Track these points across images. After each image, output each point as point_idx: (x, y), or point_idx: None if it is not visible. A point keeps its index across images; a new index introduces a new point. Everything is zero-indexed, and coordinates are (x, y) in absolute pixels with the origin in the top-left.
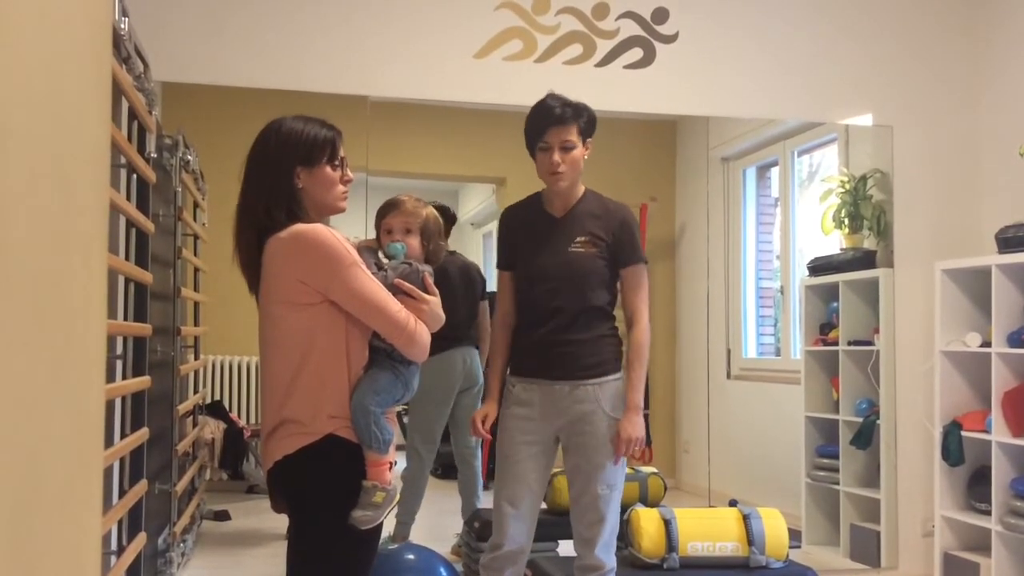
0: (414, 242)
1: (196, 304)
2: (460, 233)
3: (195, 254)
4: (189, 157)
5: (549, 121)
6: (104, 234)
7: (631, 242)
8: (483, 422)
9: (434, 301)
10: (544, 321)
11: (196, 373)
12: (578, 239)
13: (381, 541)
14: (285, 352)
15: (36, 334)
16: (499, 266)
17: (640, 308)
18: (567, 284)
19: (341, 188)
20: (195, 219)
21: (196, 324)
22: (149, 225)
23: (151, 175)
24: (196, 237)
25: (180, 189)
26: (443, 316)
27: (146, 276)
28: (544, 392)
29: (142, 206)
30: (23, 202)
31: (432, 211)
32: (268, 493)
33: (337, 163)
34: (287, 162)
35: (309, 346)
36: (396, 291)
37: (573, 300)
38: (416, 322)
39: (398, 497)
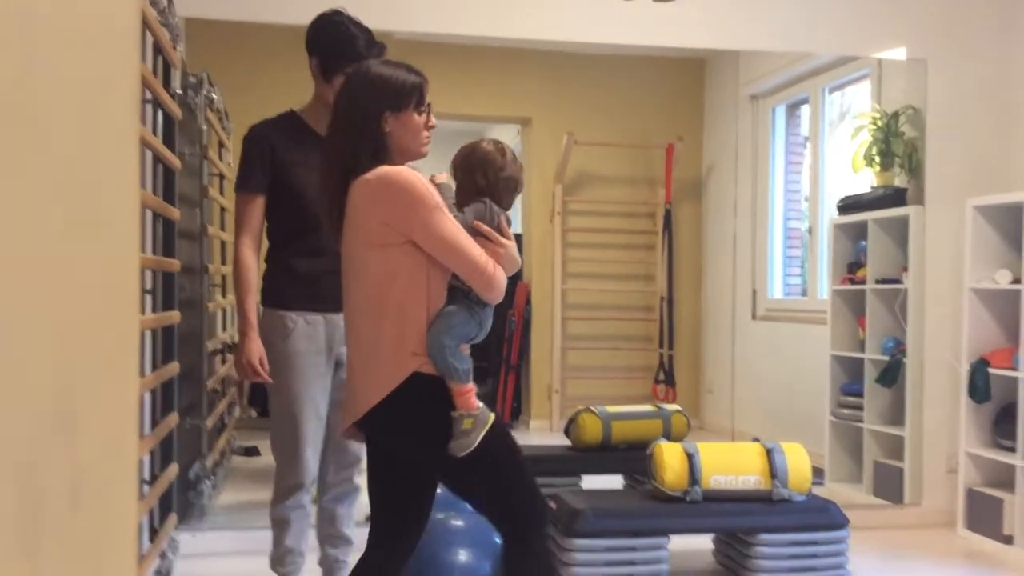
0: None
1: (223, 243)
2: None
3: (221, 193)
4: (214, 95)
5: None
6: (136, 166)
7: None
8: (260, 363)
9: (510, 245)
10: (328, 250)
11: (224, 312)
12: None
13: None
14: (368, 292)
15: (72, 264)
16: (247, 188)
17: None
18: None
19: (425, 134)
20: (220, 158)
21: (223, 264)
22: (176, 162)
23: (177, 111)
24: (222, 176)
25: (205, 128)
26: (519, 260)
27: (173, 212)
28: (329, 323)
29: (168, 143)
30: (56, 130)
31: (480, 146)
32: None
33: (423, 109)
34: (376, 107)
35: (391, 286)
36: (474, 233)
37: None
38: (495, 266)
39: (490, 418)
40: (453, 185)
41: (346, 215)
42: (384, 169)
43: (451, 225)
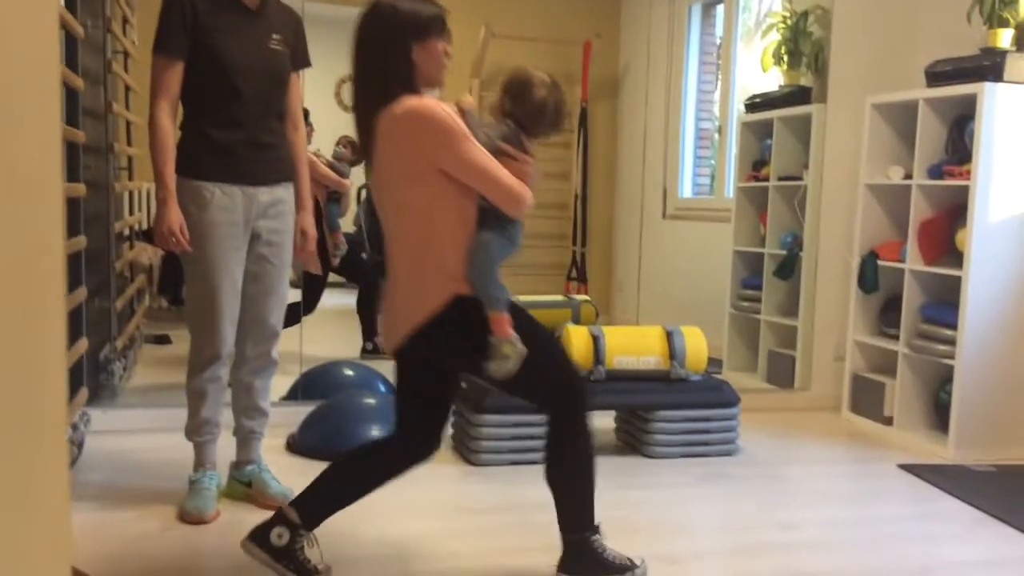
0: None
1: (128, 123)
2: None
3: (125, 71)
4: None
5: None
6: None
7: (305, 46)
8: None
9: (533, 162)
10: (247, 121)
11: (132, 198)
12: (275, 36)
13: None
14: (408, 223)
15: None
16: (168, 51)
17: (301, 111)
18: (271, 83)
19: (444, 62)
20: (124, 34)
21: (129, 144)
22: (78, 28)
23: None
24: (126, 54)
25: None
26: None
27: (77, 81)
28: (246, 196)
29: (69, 8)
30: None
31: (524, 74)
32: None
33: (444, 38)
34: (403, 37)
35: (429, 215)
36: (498, 153)
37: (275, 100)
38: (521, 185)
39: (522, 346)
40: (476, 109)
41: (377, 147)
42: (410, 103)
43: (478, 152)
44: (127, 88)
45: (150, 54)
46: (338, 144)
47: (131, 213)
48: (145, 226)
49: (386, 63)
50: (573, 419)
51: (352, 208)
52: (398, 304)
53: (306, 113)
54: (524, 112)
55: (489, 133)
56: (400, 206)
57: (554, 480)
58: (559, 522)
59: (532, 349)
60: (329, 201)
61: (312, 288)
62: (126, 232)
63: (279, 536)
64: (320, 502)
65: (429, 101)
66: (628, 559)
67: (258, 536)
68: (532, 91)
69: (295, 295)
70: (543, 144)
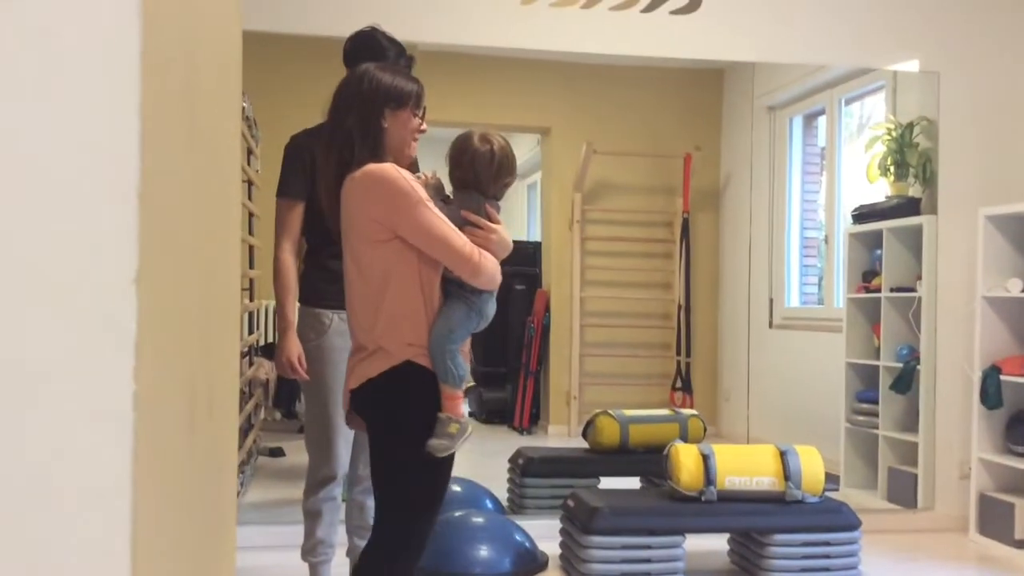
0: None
1: (251, 249)
2: None
3: (249, 199)
4: (244, 103)
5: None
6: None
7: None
8: (299, 360)
9: (500, 229)
10: None
11: (251, 316)
12: None
13: None
14: (367, 286)
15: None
16: (289, 195)
17: None
18: None
19: (415, 136)
20: (248, 164)
21: (251, 268)
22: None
23: None
24: (250, 183)
25: None
26: (511, 244)
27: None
28: None
29: None
30: None
31: (465, 140)
32: (345, 406)
33: (419, 112)
34: (378, 102)
35: (386, 280)
36: (464, 223)
37: None
38: (480, 253)
39: (470, 430)
40: (444, 179)
41: (341, 210)
42: (369, 167)
43: (433, 217)
44: (251, 214)
45: (269, 181)
46: None
47: (250, 332)
48: (263, 342)
49: (359, 126)
50: (381, 558)
51: None
52: (354, 361)
53: None
54: (474, 172)
55: (451, 203)
56: (362, 268)
57: None
58: None
59: (432, 479)
60: None
61: None
62: (245, 350)
63: None
64: None
65: (387, 165)
66: None
67: None
68: (473, 150)
69: None
70: (647, 255)
